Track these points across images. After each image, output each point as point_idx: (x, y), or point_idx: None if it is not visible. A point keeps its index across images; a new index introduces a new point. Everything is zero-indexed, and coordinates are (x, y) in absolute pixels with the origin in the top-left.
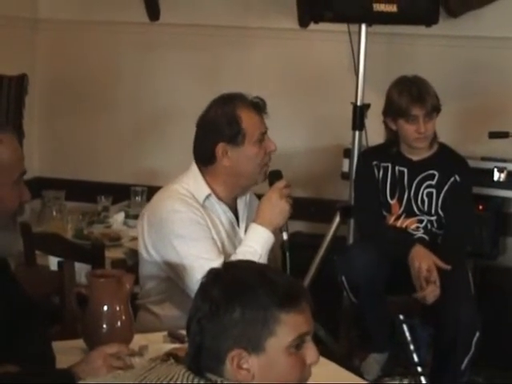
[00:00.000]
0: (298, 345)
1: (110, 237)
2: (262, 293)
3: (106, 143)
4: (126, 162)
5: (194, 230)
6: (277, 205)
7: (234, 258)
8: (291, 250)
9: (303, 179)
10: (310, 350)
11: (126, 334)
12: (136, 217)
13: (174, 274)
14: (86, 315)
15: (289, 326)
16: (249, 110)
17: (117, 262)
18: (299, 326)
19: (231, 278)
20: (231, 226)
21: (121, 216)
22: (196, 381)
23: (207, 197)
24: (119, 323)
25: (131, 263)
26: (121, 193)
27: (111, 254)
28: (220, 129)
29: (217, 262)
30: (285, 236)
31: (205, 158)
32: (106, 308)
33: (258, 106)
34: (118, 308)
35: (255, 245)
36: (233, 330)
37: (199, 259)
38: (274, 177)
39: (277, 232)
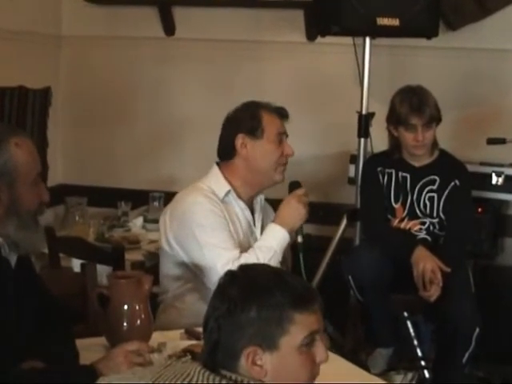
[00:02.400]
0: (308, 343)
1: (129, 240)
2: (278, 294)
3: (126, 152)
4: (144, 170)
5: (214, 220)
6: (295, 208)
7: (251, 251)
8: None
9: (312, 184)
10: (320, 349)
11: (145, 332)
12: (154, 221)
13: (192, 261)
14: (107, 314)
15: (301, 325)
16: (271, 112)
17: (136, 264)
18: (311, 324)
19: (248, 278)
20: (248, 225)
21: (139, 220)
22: (212, 377)
23: (227, 193)
24: (139, 322)
25: (150, 265)
26: (139, 198)
27: (131, 256)
28: (241, 121)
29: (233, 253)
30: (299, 239)
31: (225, 151)
32: (126, 307)
33: (281, 112)
34: (137, 307)
35: (272, 241)
36: (249, 328)
37: (217, 248)
38: (294, 186)
39: (292, 234)
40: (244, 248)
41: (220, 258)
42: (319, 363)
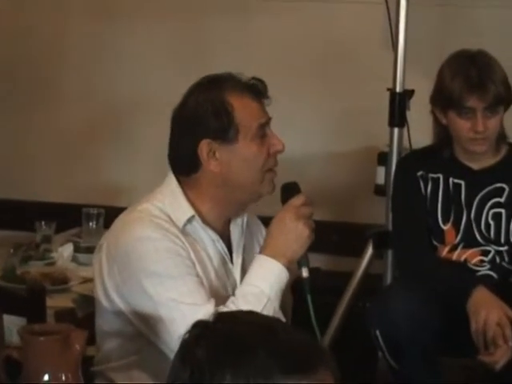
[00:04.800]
0: None
1: (53, 278)
2: (263, 354)
3: (47, 149)
4: (75, 175)
5: (173, 264)
6: (293, 228)
7: (230, 302)
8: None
9: (322, 196)
10: None
11: None
12: (89, 250)
13: (146, 327)
14: None
15: None
16: (242, 94)
17: (63, 314)
18: None
19: (223, 333)
20: (222, 262)
21: (68, 249)
22: None
23: (189, 220)
24: None
25: (83, 314)
26: (68, 217)
27: (55, 302)
28: (203, 121)
29: (205, 309)
30: (305, 273)
31: (184, 163)
32: (46, 377)
33: (256, 90)
34: (63, 377)
35: (262, 284)
36: None
37: (181, 305)
38: (289, 191)
39: (292, 267)
40: (219, 298)
41: (184, 320)
42: None
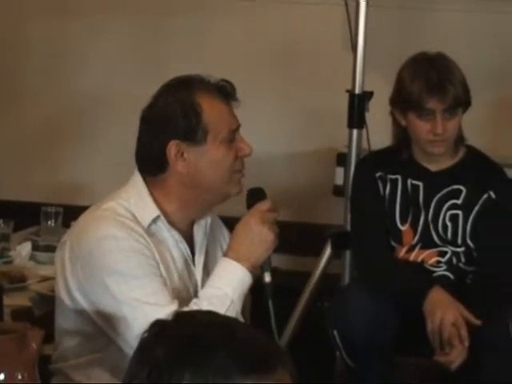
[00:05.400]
0: None
1: (10, 277)
2: (222, 354)
3: (6, 147)
4: (34, 173)
5: (137, 263)
6: (257, 233)
7: (193, 304)
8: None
9: (282, 196)
10: None
11: None
12: (47, 248)
13: (107, 326)
14: None
15: None
16: (212, 97)
17: (20, 312)
18: None
19: (183, 332)
20: (184, 263)
21: (26, 248)
22: None
23: (154, 220)
24: None
25: (40, 313)
26: (27, 215)
27: (12, 300)
28: (172, 122)
29: (168, 309)
30: (267, 278)
31: (152, 163)
32: (2, 377)
33: (225, 91)
34: (20, 376)
35: (225, 286)
36: None
37: (144, 305)
38: (255, 196)
39: (255, 271)
40: (181, 299)
41: (147, 319)
42: None
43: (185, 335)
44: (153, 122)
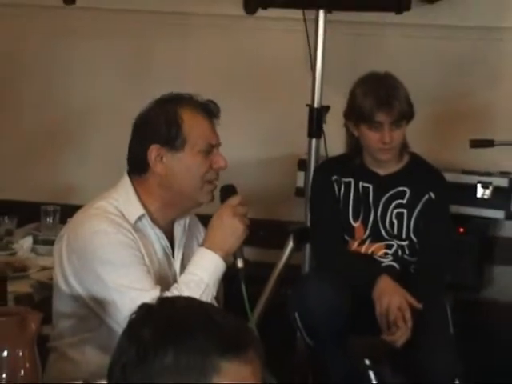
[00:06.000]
0: None
1: (14, 267)
2: (201, 336)
3: (9, 152)
4: (35, 176)
5: (125, 255)
6: (229, 224)
7: (174, 289)
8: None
9: (250, 196)
10: None
11: None
12: (46, 242)
13: (100, 309)
14: None
15: (230, 378)
16: (196, 112)
17: (22, 298)
18: (243, 378)
19: (166, 315)
20: (165, 257)
21: (28, 241)
22: None
23: (139, 218)
24: (22, 372)
25: (39, 298)
26: (28, 213)
27: (15, 287)
28: (155, 128)
29: (152, 294)
30: (240, 264)
31: (136, 164)
32: (5, 354)
33: (209, 110)
34: (20, 353)
35: (201, 273)
36: (163, 379)
37: (131, 290)
38: (227, 192)
39: (228, 259)
40: (162, 285)
41: (134, 303)
42: None
43: (168, 318)
44: (140, 128)
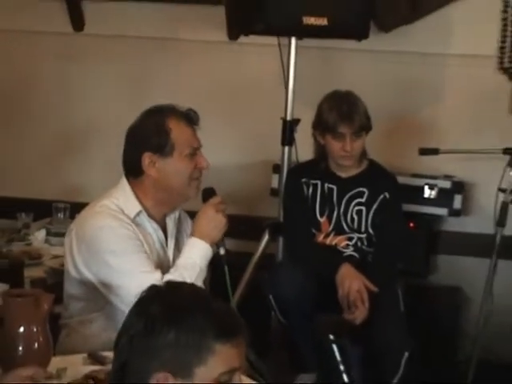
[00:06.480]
0: (226, 381)
1: (30, 255)
2: (202, 320)
3: (27, 157)
4: (48, 178)
5: (128, 244)
6: (213, 218)
7: (174, 271)
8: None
9: (232, 196)
10: None
11: (43, 357)
12: (58, 234)
13: (108, 291)
14: (1, 337)
15: (221, 358)
16: (180, 121)
17: (36, 281)
18: (232, 359)
19: (173, 298)
20: (161, 246)
21: (42, 233)
22: None
23: (138, 214)
24: (36, 345)
25: (51, 282)
26: (42, 209)
27: (31, 272)
28: (147, 138)
29: (155, 275)
30: (222, 251)
31: (132, 169)
32: (22, 329)
33: (190, 118)
34: (35, 329)
35: (195, 257)
36: (164, 352)
37: (136, 273)
38: (208, 194)
39: (213, 247)
40: (160, 269)
41: (140, 283)
42: None
43: (174, 300)
44: (133, 138)
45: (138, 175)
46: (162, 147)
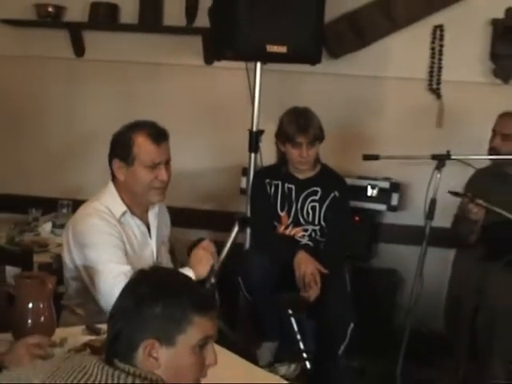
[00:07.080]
0: (201, 346)
1: (38, 244)
2: (184, 296)
3: (37, 162)
4: (54, 179)
5: (108, 239)
6: (202, 256)
7: None
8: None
9: (208, 194)
10: (210, 354)
11: (48, 328)
12: (62, 226)
13: (87, 277)
14: (13, 311)
15: (198, 328)
16: (146, 138)
17: (43, 266)
18: (207, 329)
19: (159, 278)
20: (143, 237)
21: (48, 226)
22: (106, 369)
23: (123, 214)
24: (42, 318)
25: (56, 267)
26: (49, 205)
27: (39, 258)
28: (116, 146)
29: (124, 268)
30: (213, 280)
31: (111, 172)
32: (30, 305)
33: (155, 136)
34: (41, 305)
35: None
36: (152, 323)
37: (109, 263)
38: (198, 240)
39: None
40: (142, 260)
41: (111, 272)
42: (208, 366)
43: (160, 280)
44: (110, 145)
45: (114, 178)
46: (126, 157)
